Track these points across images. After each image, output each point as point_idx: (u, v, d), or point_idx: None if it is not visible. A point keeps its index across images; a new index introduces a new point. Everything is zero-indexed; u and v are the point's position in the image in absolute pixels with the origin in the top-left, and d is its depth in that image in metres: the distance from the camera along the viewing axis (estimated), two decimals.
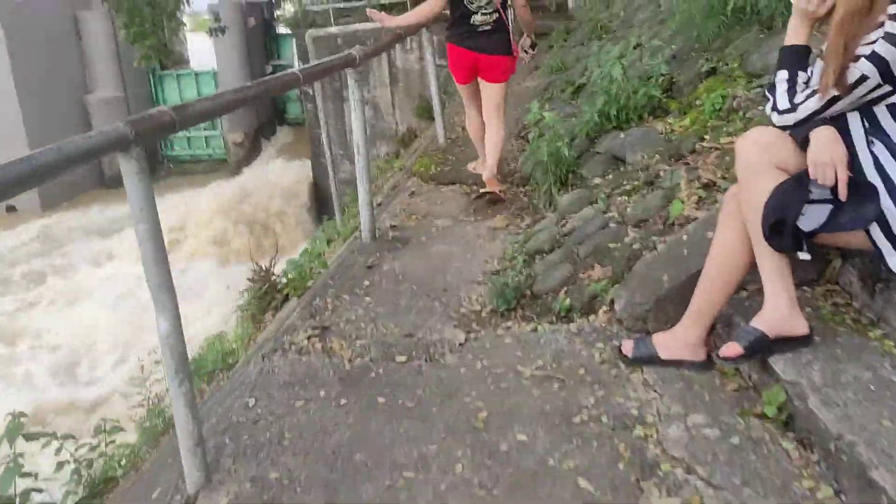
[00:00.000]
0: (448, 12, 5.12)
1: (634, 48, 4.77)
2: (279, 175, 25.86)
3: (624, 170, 4.02)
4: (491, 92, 5.22)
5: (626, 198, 3.60)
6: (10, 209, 27.56)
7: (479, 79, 5.17)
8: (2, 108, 26.36)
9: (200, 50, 35.88)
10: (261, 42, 32.66)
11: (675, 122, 4.19)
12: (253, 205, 23.77)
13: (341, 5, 23.18)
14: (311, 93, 24.10)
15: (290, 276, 4.66)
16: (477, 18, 5.01)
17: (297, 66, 25.82)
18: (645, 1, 7.98)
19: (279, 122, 33.31)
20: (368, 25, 9.88)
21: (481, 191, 5.01)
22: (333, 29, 8.05)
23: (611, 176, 4.06)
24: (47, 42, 27.77)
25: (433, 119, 19.99)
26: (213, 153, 32.51)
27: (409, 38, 21.17)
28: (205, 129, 32.52)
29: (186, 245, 22.66)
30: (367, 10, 5.44)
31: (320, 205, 24.07)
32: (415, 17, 5.35)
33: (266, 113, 32.51)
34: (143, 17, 17.10)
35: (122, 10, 16.91)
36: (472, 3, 5.01)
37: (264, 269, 6.77)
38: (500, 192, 4.94)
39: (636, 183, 3.69)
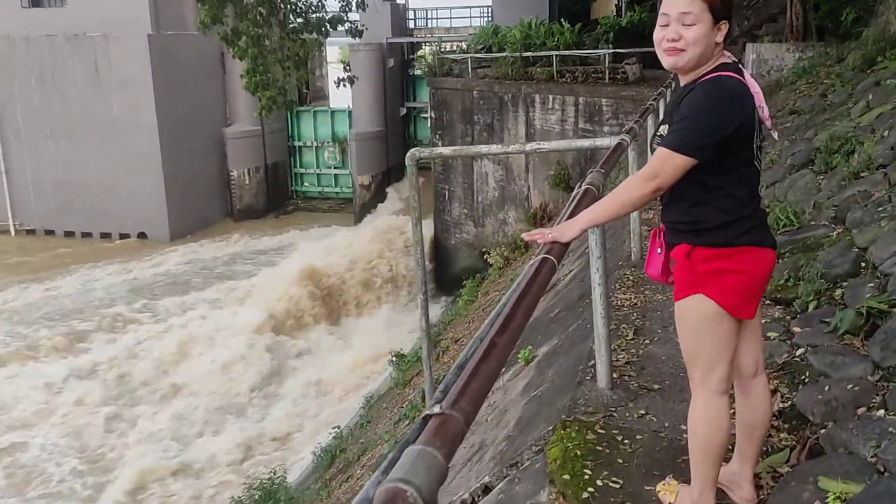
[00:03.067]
0: (695, 190, 2.41)
1: None
2: (400, 228, 23.64)
3: None
4: (760, 317, 2.61)
5: None
6: (141, 235, 26.90)
7: None
8: (141, 137, 25.71)
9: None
10: (398, 83, 30.92)
11: None
12: (367, 260, 21.61)
13: (481, 55, 20.81)
14: (439, 144, 21.81)
15: None
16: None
17: (430, 112, 23.71)
18: None
19: None
20: (494, 148, 6.83)
21: None
22: (446, 150, 5.35)
23: None
24: (193, 75, 27.04)
25: (569, 190, 17.16)
26: (341, 192, 31.03)
27: (551, 98, 18.46)
28: (335, 168, 31.19)
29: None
30: (524, 234, 2.50)
31: (440, 266, 21.63)
32: (616, 206, 2.47)
33: (396, 156, 30.66)
34: (266, 66, 15.25)
35: (246, 57, 15.12)
36: (760, 160, 2.41)
37: None
38: None
39: None
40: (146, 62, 24.99)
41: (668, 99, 2.80)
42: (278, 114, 27.93)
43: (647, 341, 4.12)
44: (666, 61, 2.41)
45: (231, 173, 28.72)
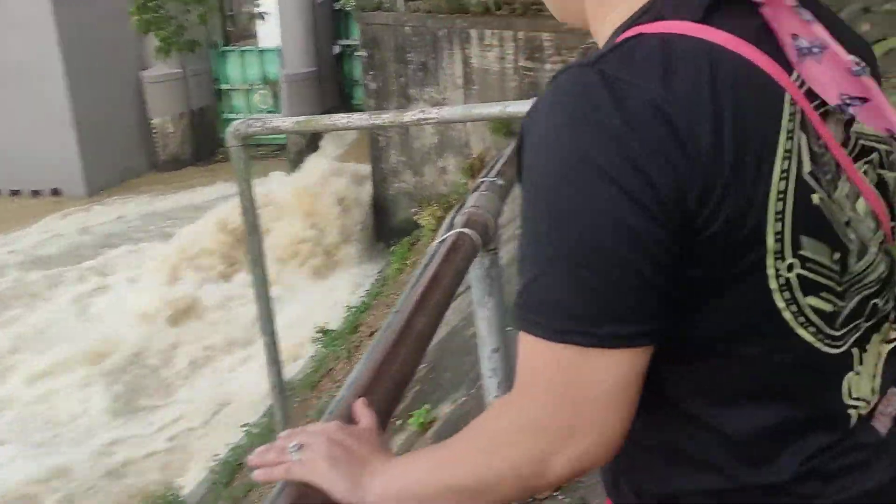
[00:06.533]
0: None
1: None
2: (334, 179, 21.78)
3: None
4: None
5: None
6: (55, 192, 24.44)
7: None
8: (47, 84, 23.01)
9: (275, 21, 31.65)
10: (329, 19, 28.44)
11: None
12: (300, 216, 19.81)
13: None
14: (371, 86, 19.84)
15: None
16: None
17: (361, 51, 21.61)
18: None
19: (346, 108, 29.12)
20: (355, 119, 4.46)
21: None
22: (286, 123, 2.79)
23: None
24: (104, 12, 24.15)
25: (511, 136, 15.49)
26: (275, 138, 28.71)
27: (488, 33, 16.52)
28: (267, 112, 28.83)
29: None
30: (250, 457, 0.74)
31: (378, 217, 19.92)
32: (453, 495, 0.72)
33: (332, 97, 28.44)
34: (158, 1, 13.06)
35: None
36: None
37: None
38: None
39: None
40: None
41: None
42: (202, 55, 25.36)
43: None
44: None
45: (152, 121, 26.22)
